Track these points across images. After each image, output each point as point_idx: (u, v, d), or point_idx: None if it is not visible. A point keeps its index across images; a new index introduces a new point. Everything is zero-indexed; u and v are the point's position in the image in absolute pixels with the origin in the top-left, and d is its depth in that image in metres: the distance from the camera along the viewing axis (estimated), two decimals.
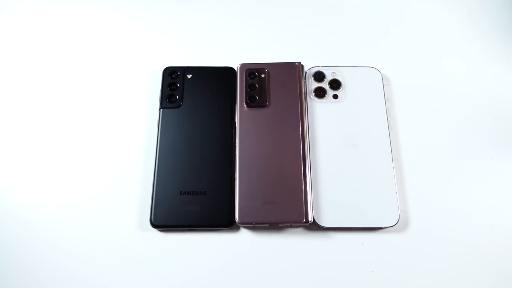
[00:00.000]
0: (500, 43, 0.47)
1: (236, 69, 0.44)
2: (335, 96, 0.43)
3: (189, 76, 0.43)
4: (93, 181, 0.41)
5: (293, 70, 0.43)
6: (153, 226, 0.38)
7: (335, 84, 0.43)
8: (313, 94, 0.43)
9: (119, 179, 0.41)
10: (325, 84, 0.43)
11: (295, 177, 0.38)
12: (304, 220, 0.37)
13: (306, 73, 0.44)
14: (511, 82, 0.46)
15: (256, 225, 0.38)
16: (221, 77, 0.43)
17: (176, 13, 0.49)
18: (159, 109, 0.42)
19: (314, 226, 0.38)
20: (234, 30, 0.48)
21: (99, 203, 0.40)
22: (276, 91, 0.42)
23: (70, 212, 0.40)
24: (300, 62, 0.43)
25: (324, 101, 0.43)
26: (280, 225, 0.38)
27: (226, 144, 0.40)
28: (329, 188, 0.39)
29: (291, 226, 0.39)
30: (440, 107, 0.44)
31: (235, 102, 0.42)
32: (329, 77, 0.44)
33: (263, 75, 0.43)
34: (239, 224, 0.38)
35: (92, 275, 0.38)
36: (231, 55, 0.46)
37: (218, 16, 0.49)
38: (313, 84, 0.43)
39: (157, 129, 0.41)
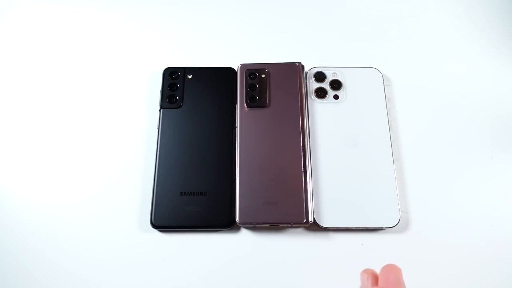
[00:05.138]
0: (500, 43, 0.47)
1: (236, 69, 0.44)
2: (336, 97, 0.43)
3: (190, 77, 0.43)
4: (94, 182, 0.41)
5: (294, 70, 0.43)
6: (153, 227, 0.38)
7: (336, 85, 0.43)
8: (313, 94, 0.43)
9: (119, 180, 0.41)
10: (325, 85, 0.43)
11: (296, 177, 0.38)
12: (305, 221, 0.37)
13: (306, 73, 0.44)
14: (511, 82, 0.46)
15: (257, 226, 0.38)
16: (221, 77, 0.43)
17: (176, 13, 0.49)
18: (160, 110, 0.42)
19: (315, 227, 0.38)
20: (235, 30, 0.48)
21: (100, 203, 0.40)
22: (277, 91, 0.42)
23: (70, 212, 0.40)
24: (300, 62, 0.43)
25: (324, 101, 0.42)
26: (281, 225, 0.38)
27: (226, 144, 0.40)
28: (330, 188, 0.39)
29: (291, 227, 0.39)
30: (440, 108, 0.44)
31: (235, 103, 0.42)
32: (329, 77, 0.44)
33: (263, 76, 0.43)
34: (239, 225, 0.38)
35: (92, 275, 0.37)
36: (231, 55, 0.46)
37: (218, 16, 0.49)
38: (313, 85, 0.43)
39: (157, 130, 0.41)
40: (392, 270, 0.28)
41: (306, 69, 0.44)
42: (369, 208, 0.38)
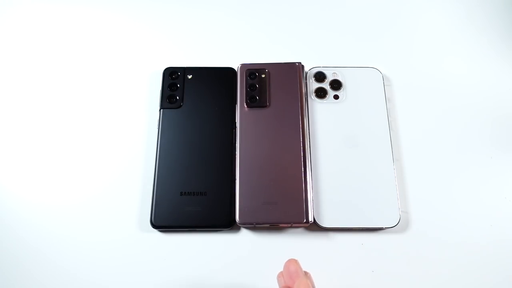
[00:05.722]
0: (500, 43, 0.48)
1: (236, 69, 0.44)
2: (336, 97, 0.43)
3: (190, 77, 0.43)
4: (94, 182, 0.41)
5: (294, 70, 0.43)
6: (153, 227, 0.38)
7: (336, 85, 0.43)
8: (313, 94, 0.43)
9: (119, 180, 0.41)
10: (326, 85, 0.43)
11: (296, 177, 0.38)
12: (305, 221, 0.37)
13: (307, 73, 0.44)
14: (511, 82, 0.46)
15: (257, 226, 0.38)
16: (221, 77, 0.43)
17: (176, 13, 0.49)
18: (160, 110, 0.42)
19: (315, 227, 0.38)
20: (235, 30, 0.48)
21: (100, 203, 0.40)
22: (277, 91, 0.42)
23: (70, 212, 0.40)
24: (300, 62, 0.43)
25: (324, 101, 0.42)
26: (281, 225, 0.38)
27: (226, 144, 0.40)
28: (330, 188, 0.39)
29: (291, 227, 0.39)
30: (440, 108, 0.44)
31: (235, 103, 0.42)
32: (330, 77, 0.44)
33: (263, 76, 0.43)
34: (239, 225, 0.38)
35: (93, 275, 0.38)
36: (231, 55, 0.46)
37: (218, 16, 0.49)
38: (314, 85, 0.43)
39: (157, 130, 0.41)
40: (291, 263, 0.31)
41: (306, 69, 0.44)
42: (369, 208, 0.38)
